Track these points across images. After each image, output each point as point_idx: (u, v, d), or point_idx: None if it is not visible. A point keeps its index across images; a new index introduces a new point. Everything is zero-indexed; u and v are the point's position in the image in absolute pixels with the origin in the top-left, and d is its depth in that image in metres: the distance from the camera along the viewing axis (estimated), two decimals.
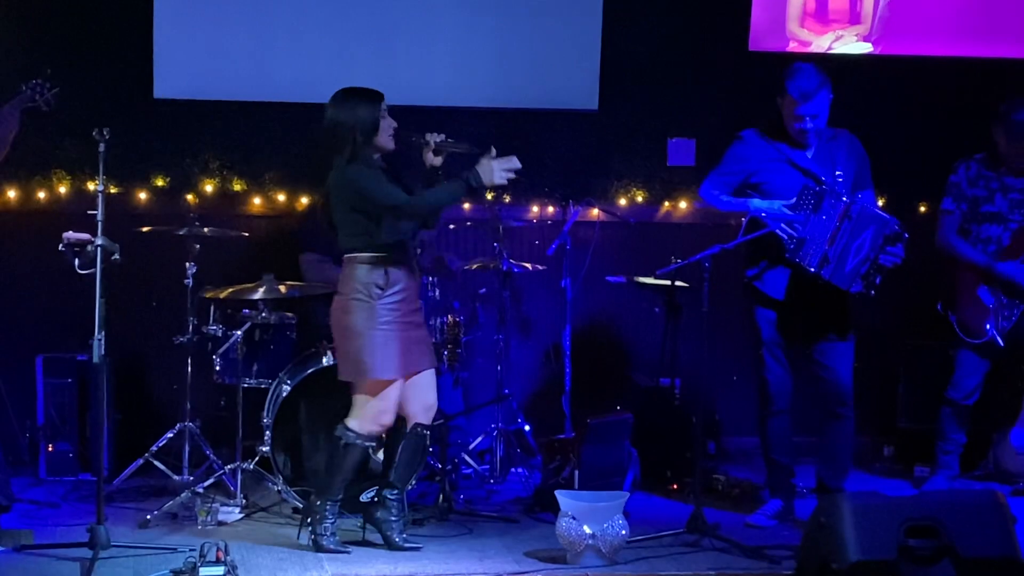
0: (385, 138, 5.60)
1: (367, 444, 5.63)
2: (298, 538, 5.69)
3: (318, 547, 5.56)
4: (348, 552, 5.57)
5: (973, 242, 6.73)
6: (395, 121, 5.64)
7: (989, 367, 6.77)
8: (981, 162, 6.73)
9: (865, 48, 7.91)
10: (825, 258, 5.88)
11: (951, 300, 6.78)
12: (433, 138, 5.66)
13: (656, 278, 6.80)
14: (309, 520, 5.65)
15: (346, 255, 5.59)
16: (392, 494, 5.69)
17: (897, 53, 7.90)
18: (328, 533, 5.59)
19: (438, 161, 5.65)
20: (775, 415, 6.18)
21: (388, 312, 5.54)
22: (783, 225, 5.87)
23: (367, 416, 5.58)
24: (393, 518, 5.67)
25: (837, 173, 5.98)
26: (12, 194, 7.13)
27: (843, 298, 6.04)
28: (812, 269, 5.88)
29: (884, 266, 5.92)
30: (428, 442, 5.80)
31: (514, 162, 5.49)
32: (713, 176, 6.16)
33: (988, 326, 6.66)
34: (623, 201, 7.76)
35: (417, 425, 5.71)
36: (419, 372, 5.66)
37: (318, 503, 5.62)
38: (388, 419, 5.60)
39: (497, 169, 5.47)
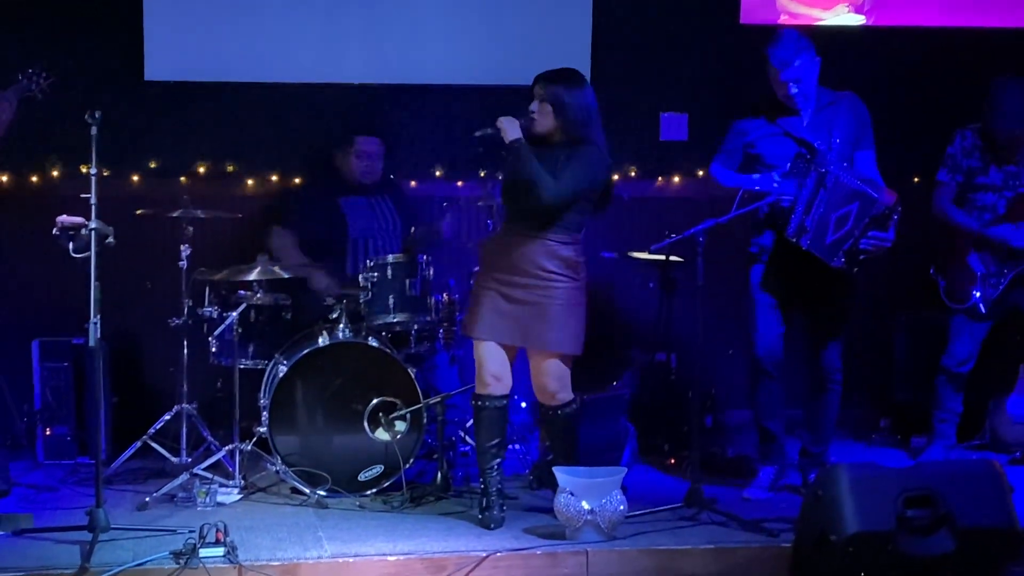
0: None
1: (484, 404, 5.71)
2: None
3: (479, 520, 5.70)
4: (490, 529, 5.63)
5: (969, 210, 6.74)
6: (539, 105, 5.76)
7: (984, 335, 6.78)
8: (977, 132, 6.74)
9: (858, 19, 7.89)
10: (802, 227, 5.88)
11: (942, 266, 6.81)
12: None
13: (650, 253, 6.79)
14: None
15: None
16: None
17: (890, 24, 7.89)
18: (485, 507, 5.70)
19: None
20: (763, 379, 6.19)
21: (485, 275, 5.76)
22: (776, 185, 5.90)
23: (476, 375, 5.75)
24: None
25: (835, 141, 5.98)
26: (5, 179, 7.12)
27: (838, 278, 6.03)
28: (791, 237, 5.89)
29: (865, 250, 5.91)
30: (560, 418, 5.82)
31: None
32: (718, 156, 6.21)
33: (974, 292, 6.69)
34: (616, 176, 7.74)
35: (541, 407, 5.85)
36: (514, 346, 5.73)
37: (481, 476, 5.76)
38: (486, 377, 5.70)
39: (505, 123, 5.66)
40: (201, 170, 7.33)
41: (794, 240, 5.89)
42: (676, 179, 7.79)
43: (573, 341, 5.72)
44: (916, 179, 7.82)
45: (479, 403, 5.75)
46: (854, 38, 7.83)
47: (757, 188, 5.95)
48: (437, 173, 7.56)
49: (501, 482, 5.80)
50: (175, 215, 6.40)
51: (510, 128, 5.67)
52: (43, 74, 6.21)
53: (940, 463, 6.26)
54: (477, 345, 5.73)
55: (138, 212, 6.51)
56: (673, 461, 6.77)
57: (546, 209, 5.61)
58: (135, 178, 7.27)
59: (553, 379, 5.74)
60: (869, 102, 6.19)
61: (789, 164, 5.93)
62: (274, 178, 7.42)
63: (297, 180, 7.39)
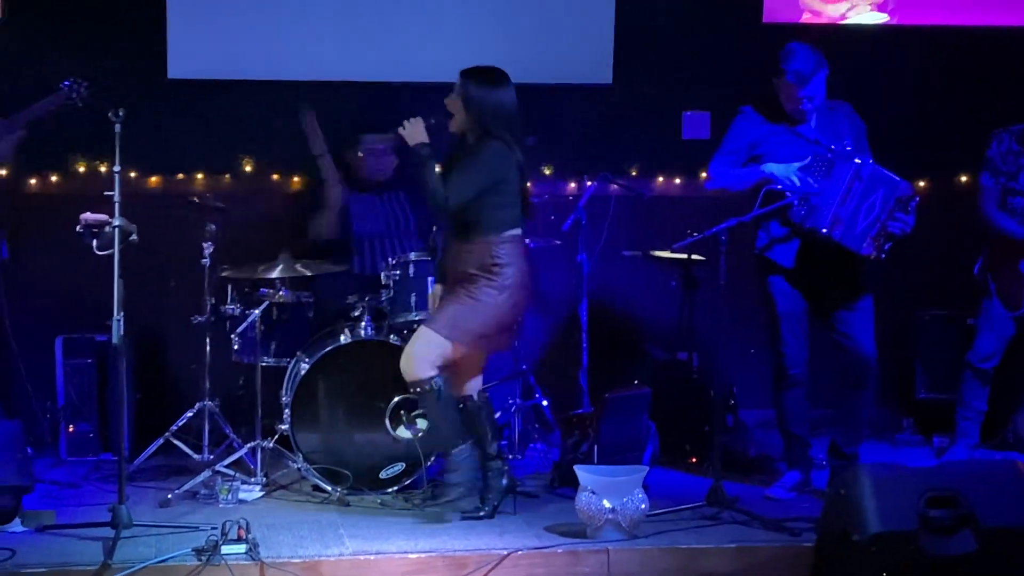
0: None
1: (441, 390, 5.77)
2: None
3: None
4: (450, 521, 5.70)
5: (1009, 214, 6.69)
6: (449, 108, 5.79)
7: (1012, 334, 6.75)
8: (1014, 135, 6.67)
9: (881, 18, 7.86)
10: (836, 218, 5.86)
11: (991, 268, 6.74)
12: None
13: (672, 252, 6.79)
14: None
15: None
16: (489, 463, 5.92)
17: (913, 23, 7.86)
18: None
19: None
20: (791, 387, 6.17)
21: None
22: (796, 182, 5.86)
23: None
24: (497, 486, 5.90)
25: (845, 144, 5.96)
26: (29, 177, 7.14)
27: (857, 264, 6.02)
28: (824, 230, 5.86)
29: (893, 233, 5.90)
30: (418, 396, 5.81)
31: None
32: (719, 155, 6.16)
33: None
34: (638, 175, 7.75)
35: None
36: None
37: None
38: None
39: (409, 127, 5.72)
40: (224, 167, 7.34)
41: (825, 232, 5.85)
42: (698, 178, 7.78)
43: (445, 323, 5.71)
44: (936, 179, 7.81)
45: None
46: (876, 37, 7.80)
47: (779, 187, 5.92)
48: None
49: (470, 473, 5.85)
50: (197, 212, 6.42)
51: (414, 132, 5.69)
52: (84, 83, 6.25)
53: (963, 463, 6.23)
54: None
55: (161, 209, 6.53)
56: (695, 460, 6.76)
57: (450, 213, 5.66)
58: (158, 175, 7.29)
59: (406, 350, 5.78)
60: (891, 102, 6.17)
61: (810, 158, 5.91)
62: (296, 176, 7.43)
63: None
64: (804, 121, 6.03)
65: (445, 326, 5.70)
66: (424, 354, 5.71)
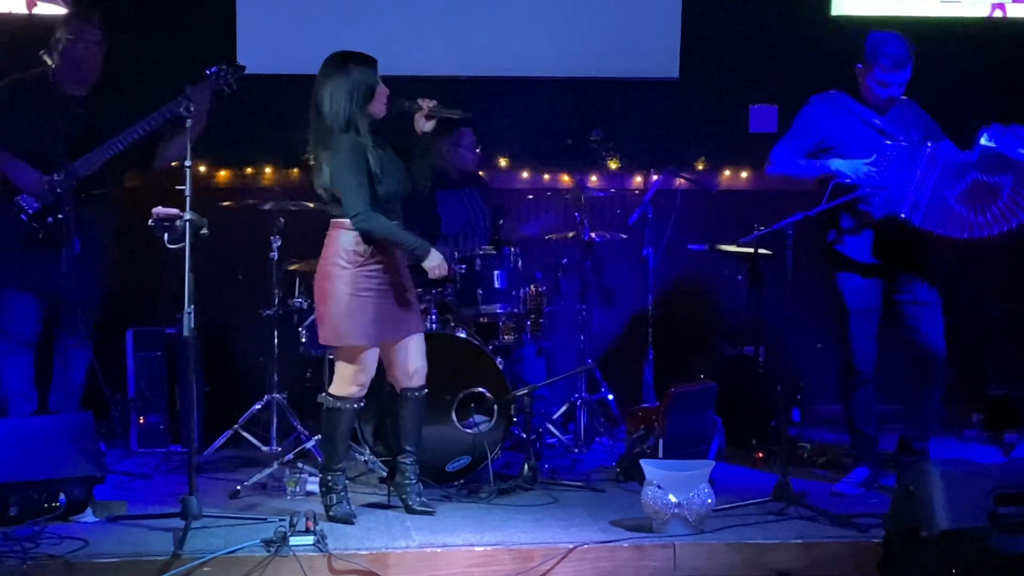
0: (379, 105, 5.58)
1: (348, 407, 5.63)
2: (328, 513, 5.64)
3: (330, 518, 5.59)
4: (352, 523, 5.55)
5: None
6: (387, 88, 5.60)
7: None
8: None
9: (950, 10, 7.80)
10: (916, 204, 5.81)
11: None
12: (426, 103, 5.61)
13: (739, 246, 6.76)
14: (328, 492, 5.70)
15: (332, 220, 5.62)
16: (406, 459, 5.77)
17: (983, 15, 7.79)
18: (335, 503, 5.63)
19: (429, 126, 5.63)
20: (860, 386, 6.12)
21: (366, 279, 5.53)
22: (866, 171, 5.80)
23: (344, 379, 5.61)
24: (410, 482, 5.75)
25: (914, 135, 5.90)
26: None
27: (928, 259, 5.97)
28: (903, 215, 5.80)
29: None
30: (420, 400, 5.75)
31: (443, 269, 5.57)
32: (784, 143, 6.09)
33: None
34: (705, 169, 7.72)
35: (405, 391, 5.74)
36: (398, 340, 5.67)
37: (325, 476, 5.68)
38: (364, 379, 5.61)
39: (439, 267, 5.53)
40: (291, 162, 7.39)
41: (905, 217, 5.78)
42: (764, 172, 7.73)
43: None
44: None
45: (343, 405, 5.63)
46: (942, 30, 7.72)
47: (848, 180, 5.86)
48: (524, 171, 7.59)
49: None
50: (266, 207, 6.47)
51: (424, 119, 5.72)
52: (230, 69, 6.22)
53: None
54: (358, 350, 5.57)
55: (230, 204, 6.58)
56: (761, 455, 6.73)
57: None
58: (227, 170, 7.35)
59: (421, 357, 5.72)
60: (958, 94, 6.07)
61: (877, 154, 5.84)
62: None
63: None
64: (880, 113, 5.96)
65: None
66: None
